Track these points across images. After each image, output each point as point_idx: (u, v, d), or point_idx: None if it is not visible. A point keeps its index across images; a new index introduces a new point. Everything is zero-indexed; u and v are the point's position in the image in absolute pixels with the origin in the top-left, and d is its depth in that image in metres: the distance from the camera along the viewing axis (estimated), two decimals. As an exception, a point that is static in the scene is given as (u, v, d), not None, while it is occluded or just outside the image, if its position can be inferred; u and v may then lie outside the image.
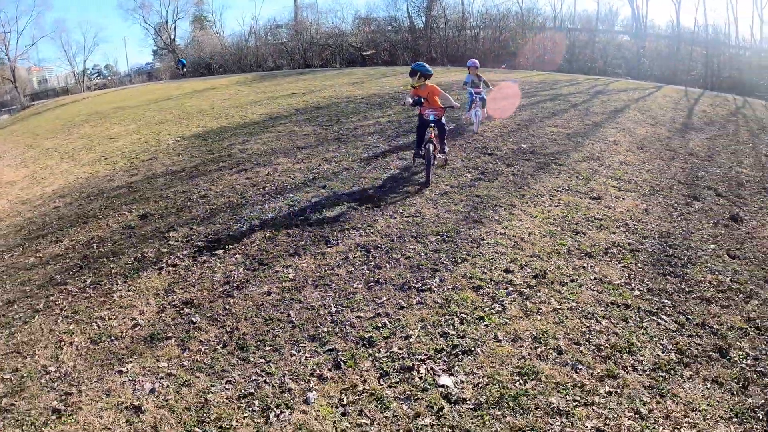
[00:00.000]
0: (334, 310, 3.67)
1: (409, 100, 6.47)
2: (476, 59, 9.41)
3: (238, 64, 26.75)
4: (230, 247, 4.80)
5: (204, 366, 3.16)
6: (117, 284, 4.35)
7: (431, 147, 6.20)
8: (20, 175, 9.69)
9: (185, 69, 31.37)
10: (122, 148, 10.03)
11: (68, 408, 2.97)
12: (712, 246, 4.82)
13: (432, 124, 6.33)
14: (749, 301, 3.85)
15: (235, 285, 4.11)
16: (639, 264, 4.35)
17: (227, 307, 3.80)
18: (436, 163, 6.62)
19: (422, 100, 6.37)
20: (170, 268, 4.49)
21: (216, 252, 4.70)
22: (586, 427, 2.59)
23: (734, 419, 2.69)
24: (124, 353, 3.40)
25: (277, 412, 2.73)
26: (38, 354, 3.55)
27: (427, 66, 6.49)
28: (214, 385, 2.97)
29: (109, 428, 2.79)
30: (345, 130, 9.40)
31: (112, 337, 3.59)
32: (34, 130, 15.67)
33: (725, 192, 6.47)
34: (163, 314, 3.79)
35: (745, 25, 43.26)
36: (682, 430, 2.60)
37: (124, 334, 3.61)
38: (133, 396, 2.98)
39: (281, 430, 2.61)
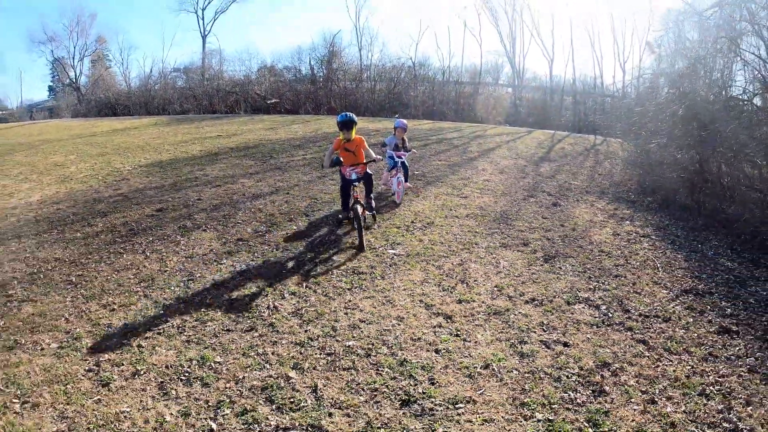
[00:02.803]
0: (325, 229, 7.52)
1: (326, 162, 7.03)
2: (404, 120, 10.04)
3: (145, 106, 29.49)
4: (246, 218, 8.33)
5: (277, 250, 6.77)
6: (178, 238, 7.64)
7: (359, 208, 6.87)
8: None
9: None
10: (80, 172, 12.53)
11: (200, 277, 6.25)
12: (533, 214, 9.26)
13: (355, 184, 7.08)
14: (503, 232, 8.18)
15: (264, 232, 7.71)
16: (485, 220, 8.70)
17: (264, 238, 7.41)
18: (365, 223, 7.56)
19: (341, 159, 6.88)
20: (212, 231, 7.91)
21: (238, 223, 8.21)
22: (458, 257, 6.69)
23: (526, 260, 6.88)
24: (215, 259, 6.81)
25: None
26: (147, 267, 6.68)
27: (353, 115, 7.07)
28: (287, 260, 6.60)
29: (229, 273, 6.20)
30: (281, 163, 13.17)
31: (200, 256, 6.95)
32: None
33: (555, 193, 10.80)
34: (225, 245, 7.26)
35: (609, 76, 54.93)
36: (500, 262, 6.72)
37: (208, 252, 7.02)
38: (235, 268, 6.43)
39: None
